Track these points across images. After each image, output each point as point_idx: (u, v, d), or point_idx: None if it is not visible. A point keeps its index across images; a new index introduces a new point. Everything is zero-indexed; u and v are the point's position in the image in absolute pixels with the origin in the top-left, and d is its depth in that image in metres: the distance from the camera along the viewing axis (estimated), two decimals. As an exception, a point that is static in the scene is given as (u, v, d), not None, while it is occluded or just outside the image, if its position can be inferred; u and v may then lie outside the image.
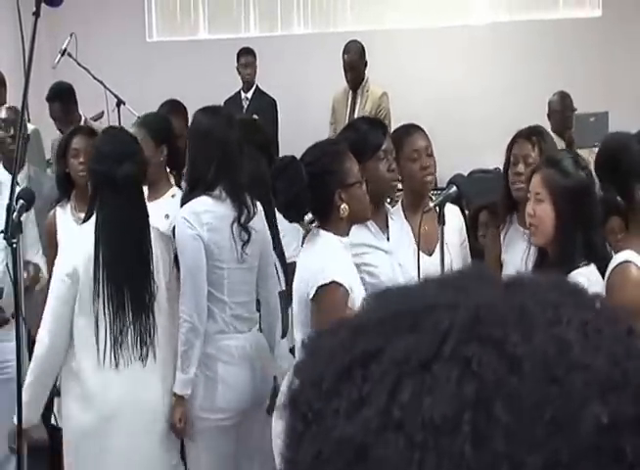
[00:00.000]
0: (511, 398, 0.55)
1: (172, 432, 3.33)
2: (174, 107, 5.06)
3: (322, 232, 3.00)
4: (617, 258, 2.78)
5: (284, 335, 3.69)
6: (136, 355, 3.21)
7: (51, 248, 3.96)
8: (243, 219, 3.35)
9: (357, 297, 2.87)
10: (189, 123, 5.09)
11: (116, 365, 3.18)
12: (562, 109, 6.48)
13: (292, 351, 3.52)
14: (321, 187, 2.95)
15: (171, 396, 3.33)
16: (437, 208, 3.34)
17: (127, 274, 3.20)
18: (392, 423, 0.56)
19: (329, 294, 2.83)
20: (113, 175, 3.18)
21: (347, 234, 3.03)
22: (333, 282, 2.82)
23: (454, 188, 3.40)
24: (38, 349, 3.23)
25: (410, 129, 3.58)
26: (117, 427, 3.20)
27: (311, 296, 2.87)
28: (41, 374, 3.25)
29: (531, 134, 3.57)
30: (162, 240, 3.38)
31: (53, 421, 3.74)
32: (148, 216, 3.32)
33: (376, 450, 0.56)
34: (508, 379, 0.56)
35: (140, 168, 3.31)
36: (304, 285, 2.92)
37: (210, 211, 3.32)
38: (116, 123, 6.38)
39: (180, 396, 3.31)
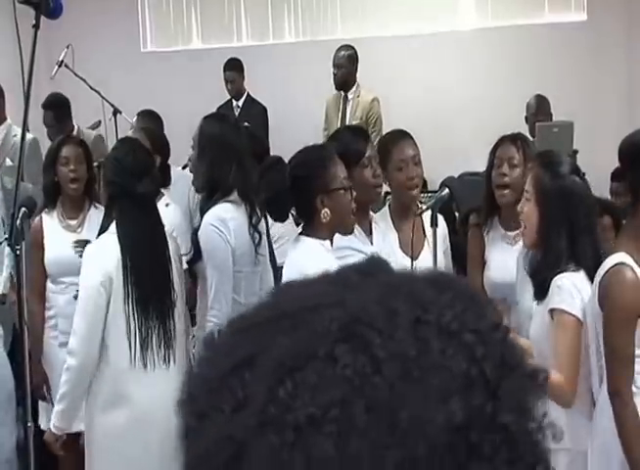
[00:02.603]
0: (371, 399, 0.57)
1: None
2: (151, 116, 5.20)
3: (303, 238, 3.03)
4: (611, 261, 2.76)
5: None
6: (161, 358, 3.30)
7: (37, 252, 4.02)
8: (254, 221, 3.44)
9: None
10: (164, 131, 5.22)
11: (144, 366, 3.26)
12: (536, 112, 6.51)
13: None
14: (303, 191, 2.98)
15: None
16: (430, 210, 3.37)
17: (152, 282, 3.28)
18: (268, 422, 0.58)
19: None
20: (132, 190, 3.26)
21: (331, 239, 3.05)
22: None
23: (446, 190, 3.42)
24: (71, 359, 3.27)
25: (398, 137, 3.61)
26: (145, 427, 3.26)
27: None
28: (76, 385, 3.28)
29: (516, 138, 3.61)
30: (173, 244, 3.46)
31: (43, 426, 3.82)
32: (164, 227, 3.40)
33: (252, 449, 0.58)
34: (371, 380, 0.58)
35: (156, 184, 3.44)
36: None
37: (234, 218, 3.40)
38: (114, 132, 6.51)
39: None
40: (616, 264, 2.73)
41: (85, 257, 3.36)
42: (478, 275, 3.63)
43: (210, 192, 3.48)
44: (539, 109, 6.60)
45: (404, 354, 0.59)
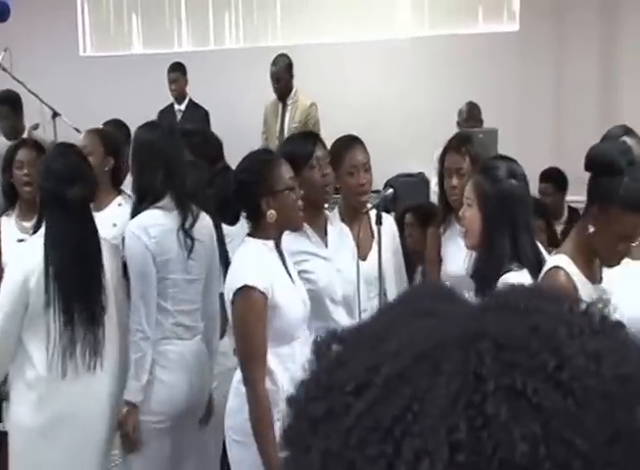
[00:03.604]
0: (579, 423, 0.54)
1: (125, 440, 3.37)
2: (117, 126, 5.26)
3: (247, 239, 3.09)
4: (550, 263, 2.81)
5: (222, 335, 3.75)
6: (85, 366, 3.23)
7: None
8: (187, 225, 3.43)
9: (284, 299, 2.98)
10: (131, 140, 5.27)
11: (64, 375, 3.18)
12: (467, 118, 6.76)
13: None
14: (248, 195, 3.05)
15: (120, 404, 3.35)
16: (375, 209, 3.44)
17: (77, 290, 3.22)
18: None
19: (242, 297, 2.91)
20: (62, 195, 3.18)
21: (278, 238, 3.12)
22: (245, 286, 2.90)
23: (391, 190, 3.52)
24: None
25: (350, 143, 3.64)
26: (63, 434, 3.22)
27: (230, 301, 2.97)
28: None
29: (460, 145, 3.69)
30: (111, 250, 3.43)
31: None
32: (97, 233, 3.33)
33: None
34: (567, 405, 0.54)
35: (90, 190, 3.31)
36: (227, 291, 3.02)
37: (159, 225, 3.39)
38: (52, 134, 6.51)
39: (133, 403, 3.35)
40: (551, 268, 2.78)
41: (13, 255, 3.36)
42: (435, 272, 3.73)
43: (140, 198, 3.49)
44: (470, 115, 6.84)
45: (585, 371, 0.56)
